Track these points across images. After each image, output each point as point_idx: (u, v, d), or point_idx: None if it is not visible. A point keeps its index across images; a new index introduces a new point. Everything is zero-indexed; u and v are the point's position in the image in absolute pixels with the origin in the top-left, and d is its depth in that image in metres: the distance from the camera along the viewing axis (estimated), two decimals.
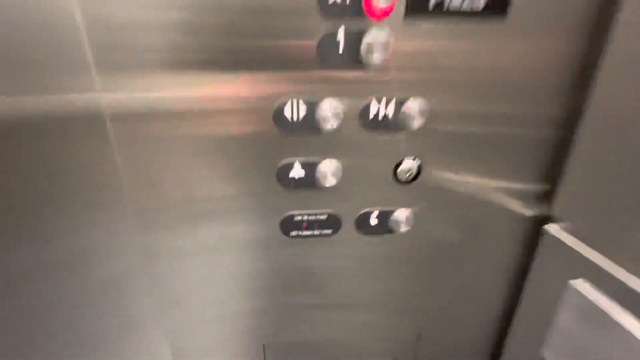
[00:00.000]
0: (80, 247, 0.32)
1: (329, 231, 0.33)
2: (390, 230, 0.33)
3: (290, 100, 0.27)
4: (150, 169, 0.30)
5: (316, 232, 0.33)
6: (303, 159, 0.30)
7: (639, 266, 0.25)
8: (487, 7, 0.25)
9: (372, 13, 0.25)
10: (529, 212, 0.34)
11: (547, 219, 0.33)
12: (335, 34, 0.25)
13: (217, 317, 0.37)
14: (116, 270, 0.34)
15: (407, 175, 0.31)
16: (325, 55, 0.26)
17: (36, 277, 0.33)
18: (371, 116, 0.28)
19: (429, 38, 0.26)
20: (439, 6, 0.25)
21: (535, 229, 0.34)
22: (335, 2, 0.24)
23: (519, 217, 0.34)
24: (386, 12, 0.25)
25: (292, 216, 0.32)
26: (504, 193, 0.33)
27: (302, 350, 0.41)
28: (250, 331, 0.39)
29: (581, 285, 0.26)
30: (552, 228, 0.32)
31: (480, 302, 0.39)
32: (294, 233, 0.33)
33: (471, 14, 0.25)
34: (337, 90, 0.27)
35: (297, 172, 0.30)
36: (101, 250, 0.33)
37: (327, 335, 0.40)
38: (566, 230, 0.31)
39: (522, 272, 0.36)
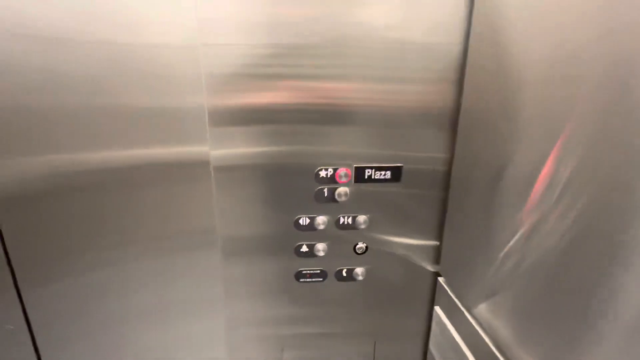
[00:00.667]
0: (170, 265, 0.55)
1: (320, 279, 0.62)
2: (354, 279, 0.62)
3: (302, 217, 0.57)
4: (236, 208, 0.56)
5: (313, 279, 0.62)
6: (308, 242, 0.59)
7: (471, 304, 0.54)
8: (391, 178, 0.56)
9: (339, 181, 0.55)
10: (432, 266, 0.63)
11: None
12: (323, 189, 0.56)
13: (260, 336, 0.65)
14: (193, 291, 0.59)
15: (360, 251, 0.60)
16: (318, 198, 0.56)
17: (131, 288, 0.56)
18: (340, 223, 0.58)
19: (365, 190, 0.56)
20: (369, 178, 0.55)
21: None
22: (323, 176, 0.55)
23: (424, 270, 0.63)
24: (346, 181, 0.56)
25: (301, 271, 0.61)
26: (416, 258, 0.62)
27: (308, 349, 0.68)
28: (274, 340, 0.66)
29: (438, 310, 0.55)
30: (440, 279, 0.61)
31: (410, 321, 0.67)
32: (302, 280, 0.62)
33: (385, 180, 0.56)
34: (324, 211, 0.57)
35: (304, 249, 0.59)
36: (186, 269, 0.57)
37: (318, 343, 0.67)
38: (444, 280, 0.60)
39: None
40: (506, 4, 0.41)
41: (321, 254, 0.59)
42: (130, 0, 0.44)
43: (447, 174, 0.56)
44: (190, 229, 0.55)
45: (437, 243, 0.60)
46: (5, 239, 0.50)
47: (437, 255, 0.61)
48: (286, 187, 0.56)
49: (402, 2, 0.48)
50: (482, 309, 0.49)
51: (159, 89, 0.48)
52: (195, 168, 0.52)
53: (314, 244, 0.59)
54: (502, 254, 0.43)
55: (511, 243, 0.42)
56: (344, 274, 0.62)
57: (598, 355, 0.31)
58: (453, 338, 0.53)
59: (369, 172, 0.55)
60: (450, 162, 0.55)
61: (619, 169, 0.27)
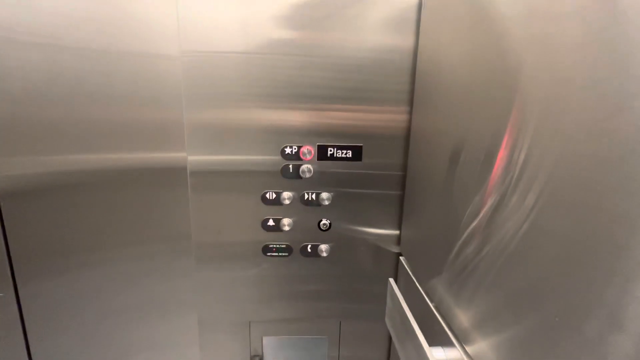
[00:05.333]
0: (146, 268, 0.61)
1: (286, 254, 0.65)
2: (318, 255, 0.65)
3: (268, 192, 0.61)
4: (209, 214, 0.62)
5: (279, 254, 0.65)
6: (274, 217, 0.63)
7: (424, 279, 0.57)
8: (353, 157, 0.60)
9: (303, 158, 0.59)
10: (393, 248, 0.66)
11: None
12: (289, 165, 0.60)
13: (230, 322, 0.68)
14: (168, 291, 0.64)
15: (324, 227, 0.64)
16: (284, 174, 0.60)
17: (112, 288, 0.61)
18: (305, 198, 0.62)
19: (328, 166, 0.60)
20: (331, 156, 0.59)
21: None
22: (288, 153, 0.59)
23: (387, 251, 0.66)
24: (309, 158, 0.59)
25: (268, 244, 0.64)
26: (379, 237, 0.65)
27: (273, 327, 0.71)
28: (243, 314, 0.69)
29: (392, 282, 0.58)
30: (402, 258, 0.64)
31: (374, 301, 0.69)
32: (268, 254, 0.65)
33: (347, 158, 0.60)
34: (289, 187, 0.61)
35: (271, 223, 0.63)
36: (162, 272, 0.64)
37: (286, 317, 0.70)
38: (403, 257, 0.63)
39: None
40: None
41: (287, 228, 0.63)
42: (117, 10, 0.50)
43: (406, 155, 0.60)
44: (167, 232, 0.60)
45: (398, 224, 0.64)
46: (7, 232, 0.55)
47: (399, 235, 0.64)
48: (254, 163, 0.60)
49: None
50: (437, 288, 0.50)
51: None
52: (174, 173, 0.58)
53: (280, 219, 0.63)
54: (460, 237, 0.43)
55: (471, 227, 0.40)
56: (309, 250, 0.65)
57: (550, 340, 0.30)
58: (404, 311, 0.56)
59: (331, 150, 0.59)
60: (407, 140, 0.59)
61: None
